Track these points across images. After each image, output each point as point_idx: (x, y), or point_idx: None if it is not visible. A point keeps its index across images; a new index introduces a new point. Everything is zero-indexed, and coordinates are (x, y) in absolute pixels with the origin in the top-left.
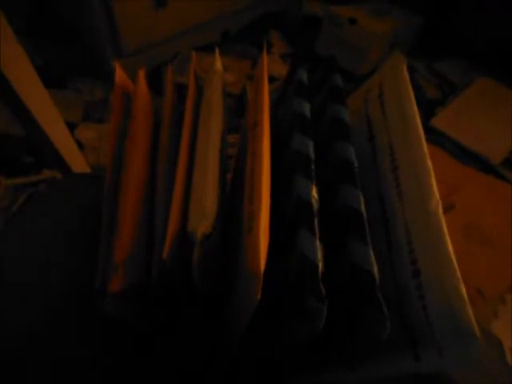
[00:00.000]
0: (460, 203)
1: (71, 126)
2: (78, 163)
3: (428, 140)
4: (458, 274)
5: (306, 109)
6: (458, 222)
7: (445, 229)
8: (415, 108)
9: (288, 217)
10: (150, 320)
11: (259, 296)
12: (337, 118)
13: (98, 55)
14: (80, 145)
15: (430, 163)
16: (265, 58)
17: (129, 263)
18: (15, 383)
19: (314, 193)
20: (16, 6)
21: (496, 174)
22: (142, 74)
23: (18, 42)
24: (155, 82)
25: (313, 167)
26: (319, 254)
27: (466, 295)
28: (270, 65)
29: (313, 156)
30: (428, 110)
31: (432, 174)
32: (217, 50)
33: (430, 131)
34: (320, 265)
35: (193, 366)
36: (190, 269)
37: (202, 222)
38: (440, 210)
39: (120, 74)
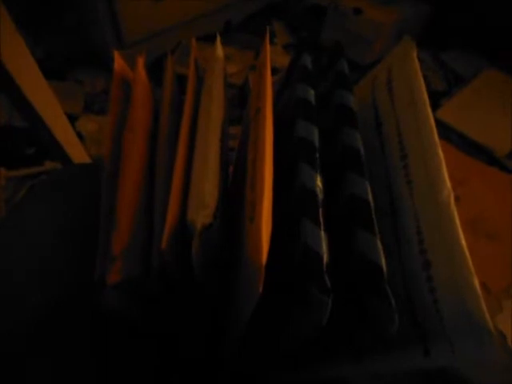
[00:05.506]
0: (465, 196)
1: (72, 118)
2: (79, 155)
3: None
4: (471, 266)
5: (311, 95)
6: (463, 215)
7: (457, 219)
8: (425, 95)
9: (291, 206)
10: (151, 314)
11: (261, 287)
12: (343, 104)
13: (98, 46)
14: (81, 137)
15: (440, 151)
16: (267, 45)
17: (127, 254)
18: (13, 383)
19: (319, 182)
20: None
21: (501, 167)
22: (140, 61)
23: (19, 33)
24: (156, 73)
25: (317, 155)
26: (324, 245)
27: (478, 289)
28: (273, 56)
29: (317, 144)
30: (433, 101)
31: (443, 161)
32: (218, 38)
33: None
34: (325, 256)
35: (196, 362)
36: (190, 259)
37: (202, 212)
38: (452, 199)
39: (119, 63)
